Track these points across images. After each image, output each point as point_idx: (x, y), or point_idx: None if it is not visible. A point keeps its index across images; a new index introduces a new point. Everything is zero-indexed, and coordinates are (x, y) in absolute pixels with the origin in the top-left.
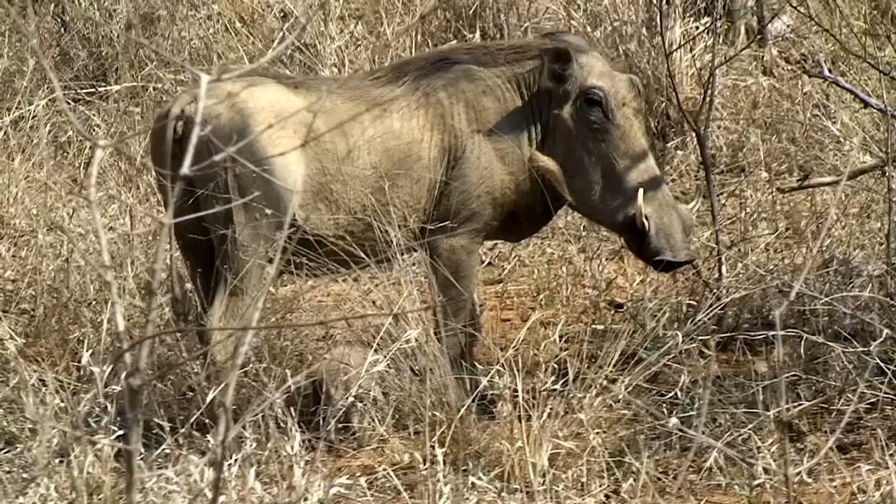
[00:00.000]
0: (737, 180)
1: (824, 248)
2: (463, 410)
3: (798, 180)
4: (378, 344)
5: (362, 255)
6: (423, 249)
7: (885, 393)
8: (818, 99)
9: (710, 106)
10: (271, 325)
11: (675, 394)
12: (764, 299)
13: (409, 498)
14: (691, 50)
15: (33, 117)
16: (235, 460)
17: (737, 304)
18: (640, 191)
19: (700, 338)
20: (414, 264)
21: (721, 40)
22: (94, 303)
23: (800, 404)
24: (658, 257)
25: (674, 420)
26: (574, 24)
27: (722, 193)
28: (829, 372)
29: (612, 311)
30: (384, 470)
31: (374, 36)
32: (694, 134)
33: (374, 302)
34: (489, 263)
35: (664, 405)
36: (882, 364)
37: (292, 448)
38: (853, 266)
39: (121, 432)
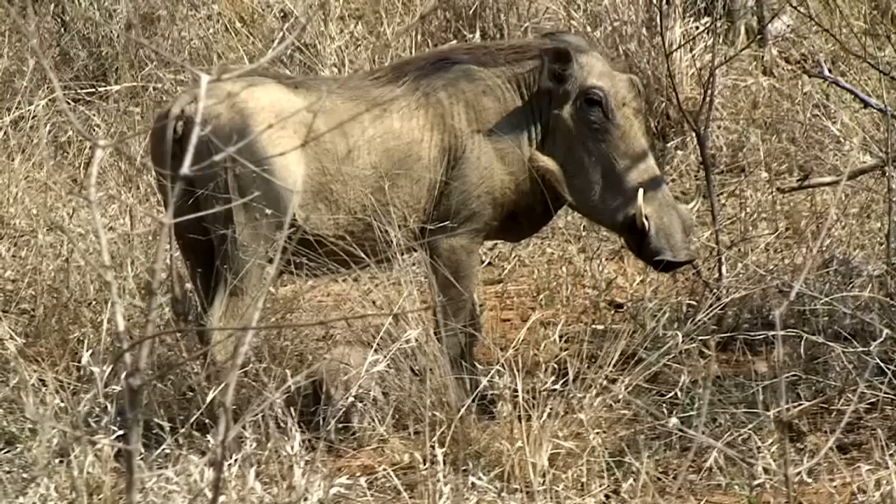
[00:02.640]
0: (737, 180)
1: (824, 248)
2: (463, 410)
3: (798, 180)
4: (378, 344)
5: (362, 255)
6: (423, 249)
7: (885, 393)
8: (818, 99)
9: (710, 106)
10: (271, 325)
11: (675, 394)
12: (764, 299)
13: (409, 498)
14: (691, 50)
15: (33, 117)
16: (235, 460)
17: (737, 304)
18: (640, 191)
19: (700, 338)
20: (414, 264)
21: (721, 40)
22: (94, 303)
23: (800, 404)
24: (658, 257)
25: (674, 420)
26: (574, 24)
27: (722, 193)
28: (829, 372)
29: (612, 311)
30: (384, 470)
31: (374, 36)
32: (694, 134)
33: (374, 302)
34: (489, 263)
35: (664, 405)
36: (882, 364)
37: (292, 448)
38: (853, 266)
39: (121, 432)
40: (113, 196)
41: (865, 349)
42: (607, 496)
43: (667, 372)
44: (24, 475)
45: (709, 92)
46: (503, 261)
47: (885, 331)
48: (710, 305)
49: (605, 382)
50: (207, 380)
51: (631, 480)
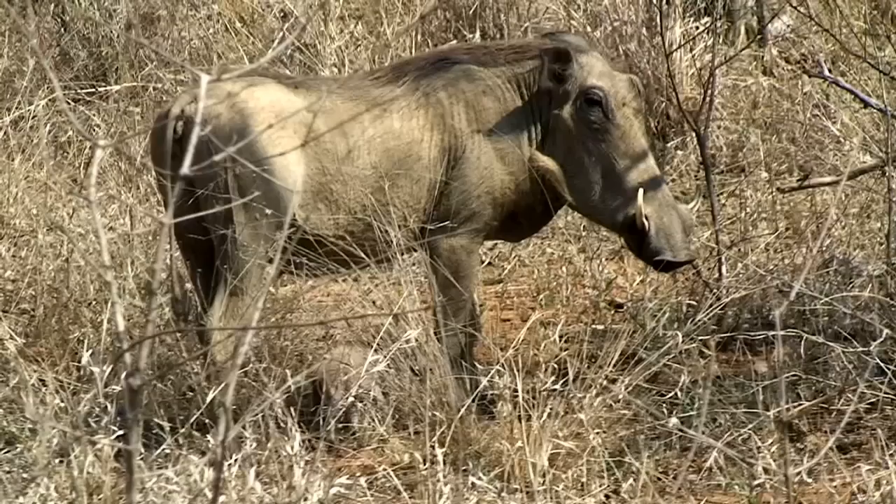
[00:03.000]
0: (737, 180)
1: (824, 248)
2: (463, 410)
3: (798, 180)
4: (378, 344)
5: (362, 255)
6: (423, 249)
7: (885, 393)
8: (818, 99)
9: (710, 106)
10: (271, 325)
11: (675, 394)
12: (764, 299)
13: (409, 498)
14: (691, 50)
15: (33, 117)
16: (235, 460)
17: (737, 304)
18: (640, 191)
19: (700, 338)
20: (414, 264)
21: (721, 40)
22: (94, 303)
23: (800, 404)
24: (658, 257)
25: (674, 420)
26: (574, 24)
27: (722, 193)
28: (829, 372)
29: (612, 311)
30: (384, 470)
31: (374, 36)
32: (694, 134)
33: (374, 302)
34: (489, 263)
35: (664, 405)
36: (882, 364)
37: (292, 448)
38: (853, 266)
39: (121, 432)
40: (113, 196)
41: (865, 349)
42: (607, 496)
43: (667, 372)
44: (24, 475)
45: (709, 92)
46: (503, 261)
47: (885, 331)
48: (710, 305)
49: (605, 382)
50: (207, 380)
51: (631, 480)
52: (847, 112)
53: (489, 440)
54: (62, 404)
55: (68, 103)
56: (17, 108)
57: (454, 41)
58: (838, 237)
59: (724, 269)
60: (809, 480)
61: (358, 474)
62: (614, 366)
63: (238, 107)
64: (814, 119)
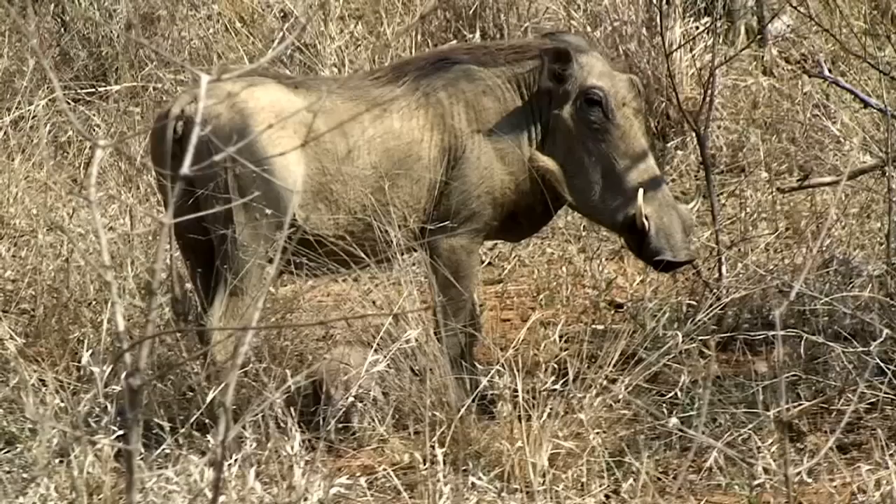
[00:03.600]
0: (737, 180)
1: (824, 248)
2: (463, 410)
3: (798, 180)
4: (378, 344)
5: (362, 255)
6: (423, 249)
7: (885, 393)
8: (818, 99)
9: (710, 106)
10: (271, 325)
11: (675, 394)
12: (764, 299)
13: (409, 498)
14: (691, 50)
15: (33, 117)
16: (235, 460)
17: (737, 304)
18: (640, 191)
19: (700, 338)
20: (414, 264)
21: (721, 40)
22: (94, 303)
23: (800, 404)
24: (658, 257)
25: (674, 420)
26: (574, 24)
27: (722, 193)
28: (829, 372)
29: (612, 311)
30: (384, 470)
31: (374, 36)
32: (694, 134)
33: (374, 302)
34: (489, 263)
35: (664, 405)
36: (882, 364)
37: (292, 448)
38: (853, 266)
39: (121, 432)
40: (113, 196)
41: (865, 349)
42: (607, 496)
43: (667, 372)
44: (24, 475)
45: (709, 92)
46: (503, 261)
47: (885, 331)
48: (710, 305)
49: (605, 382)
50: (207, 380)
51: (631, 480)
52: (847, 112)
53: (489, 440)
54: (62, 404)
55: (68, 103)
56: (17, 108)
57: (454, 41)
58: (838, 237)
59: (724, 269)
60: (809, 480)
61: (358, 474)
62: (614, 366)
63: (238, 107)
64: (814, 119)
